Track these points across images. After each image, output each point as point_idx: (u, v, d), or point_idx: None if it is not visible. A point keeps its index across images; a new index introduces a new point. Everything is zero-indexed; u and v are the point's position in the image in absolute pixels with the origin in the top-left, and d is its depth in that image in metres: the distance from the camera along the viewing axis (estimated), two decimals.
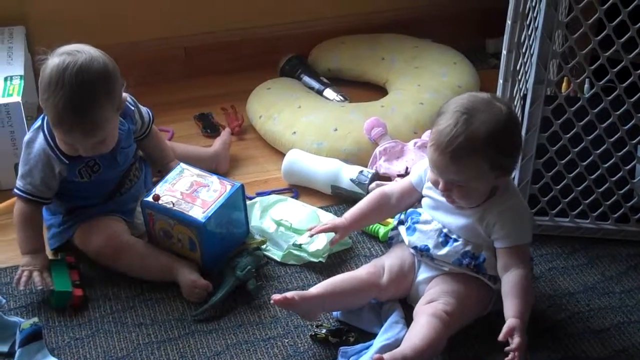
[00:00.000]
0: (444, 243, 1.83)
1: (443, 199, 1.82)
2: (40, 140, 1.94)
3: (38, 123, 1.97)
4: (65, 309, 1.91)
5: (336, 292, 1.83)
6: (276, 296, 1.76)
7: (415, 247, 1.87)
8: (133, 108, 2.05)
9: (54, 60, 1.85)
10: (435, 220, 1.86)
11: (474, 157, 1.71)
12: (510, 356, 1.65)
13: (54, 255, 2.04)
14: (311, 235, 1.97)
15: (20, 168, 1.97)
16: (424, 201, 1.90)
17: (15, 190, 1.96)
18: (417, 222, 1.88)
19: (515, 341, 1.66)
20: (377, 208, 1.95)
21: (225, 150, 2.34)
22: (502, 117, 1.72)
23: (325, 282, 1.85)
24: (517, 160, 1.85)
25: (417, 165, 1.97)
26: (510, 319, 1.70)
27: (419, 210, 1.90)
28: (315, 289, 1.83)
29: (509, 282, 1.76)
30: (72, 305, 1.91)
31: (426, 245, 1.85)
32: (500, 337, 1.67)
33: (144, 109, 2.11)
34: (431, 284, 1.85)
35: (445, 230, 1.84)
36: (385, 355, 1.66)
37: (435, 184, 1.79)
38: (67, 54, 1.84)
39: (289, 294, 1.76)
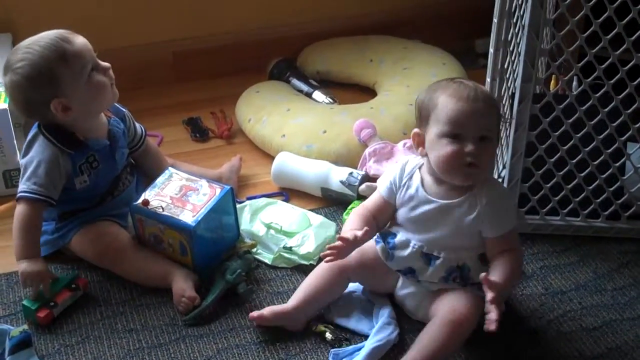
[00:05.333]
0: (427, 263, 1.79)
1: (425, 205, 1.77)
2: (40, 141, 1.94)
3: (33, 131, 1.96)
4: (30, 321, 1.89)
5: (312, 297, 1.84)
6: (252, 314, 1.83)
7: (399, 271, 1.84)
8: (124, 110, 2.07)
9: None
10: (412, 237, 1.80)
11: (495, 108, 1.77)
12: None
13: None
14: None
15: (22, 173, 1.95)
16: (400, 214, 1.83)
17: (20, 193, 1.92)
18: (394, 248, 1.82)
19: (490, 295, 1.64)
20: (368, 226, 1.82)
21: (232, 173, 2.29)
22: None
23: (299, 290, 1.85)
24: None
25: (381, 178, 1.88)
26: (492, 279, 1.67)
27: (392, 230, 1.85)
28: (291, 302, 1.84)
29: (501, 259, 1.74)
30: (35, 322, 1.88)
31: (410, 268, 1.81)
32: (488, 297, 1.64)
33: (137, 124, 2.13)
34: (429, 301, 1.81)
35: (424, 250, 1.79)
36: None
37: (457, 155, 1.70)
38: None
39: (258, 313, 1.82)
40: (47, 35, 1.90)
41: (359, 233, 1.73)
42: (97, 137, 1.99)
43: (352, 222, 1.83)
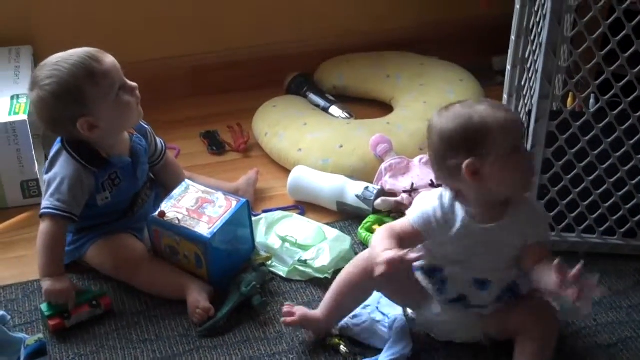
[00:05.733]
0: (480, 288, 1.76)
1: (474, 234, 1.71)
2: (63, 157, 1.95)
3: (57, 146, 1.97)
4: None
5: (342, 305, 1.82)
6: (286, 319, 1.84)
7: (450, 300, 1.80)
8: (147, 127, 2.09)
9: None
10: (461, 267, 1.75)
11: None
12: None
13: None
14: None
15: (45, 190, 1.95)
16: (446, 248, 1.74)
17: (44, 210, 1.92)
18: (445, 281, 1.77)
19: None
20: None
21: (249, 186, 2.30)
22: None
23: (329, 299, 1.83)
24: None
25: (415, 207, 1.77)
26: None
27: (437, 264, 1.78)
28: (322, 310, 1.83)
29: (549, 261, 1.64)
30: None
31: (462, 295, 1.78)
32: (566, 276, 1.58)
33: (158, 139, 2.14)
34: (474, 323, 1.80)
35: (475, 276, 1.75)
36: None
37: (526, 168, 1.70)
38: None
39: (291, 319, 1.83)
40: (76, 53, 1.90)
41: (413, 255, 1.62)
42: (120, 154, 2.00)
43: (385, 242, 1.69)
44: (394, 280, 1.79)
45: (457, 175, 1.68)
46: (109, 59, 1.92)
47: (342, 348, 1.82)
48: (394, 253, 1.62)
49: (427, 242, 1.76)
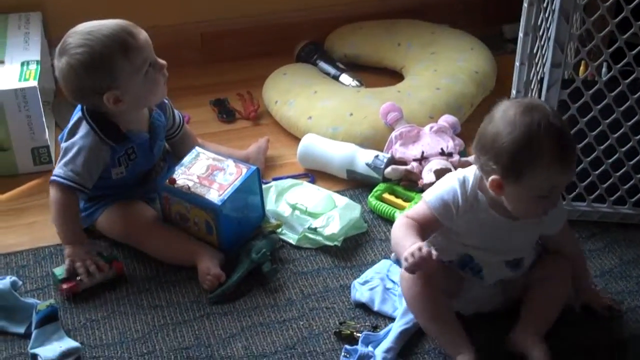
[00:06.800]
0: (514, 268, 1.79)
1: (498, 225, 1.71)
2: (83, 126, 1.94)
3: (77, 115, 1.96)
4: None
5: None
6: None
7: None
8: (166, 102, 2.08)
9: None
10: (491, 255, 1.76)
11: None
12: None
13: None
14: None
15: (61, 157, 1.94)
16: (471, 235, 1.74)
17: (54, 177, 1.91)
18: (480, 270, 1.77)
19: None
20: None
21: (259, 154, 2.29)
22: None
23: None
24: None
25: (435, 194, 1.72)
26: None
27: (468, 252, 1.76)
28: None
29: (580, 256, 1.87)
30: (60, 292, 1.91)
31: (501, 280, 1.80)
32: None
33: (176, 112, 2.13)
34: (502, 289, 1.82)
35: (507, 259, 1.77)
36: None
37: (545, 211, 1.68)
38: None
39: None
40: (110, 25, 1.87)
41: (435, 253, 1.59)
42: (139, 129, 1.99)
43: (410, 236, 1.66)
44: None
45: (485, 176, 1.68)
46: (143, 35, 1.90)
47: (356, 334, 1.79)
48: (418, 252, 1.58)
49: (451, 234, 1.75)
